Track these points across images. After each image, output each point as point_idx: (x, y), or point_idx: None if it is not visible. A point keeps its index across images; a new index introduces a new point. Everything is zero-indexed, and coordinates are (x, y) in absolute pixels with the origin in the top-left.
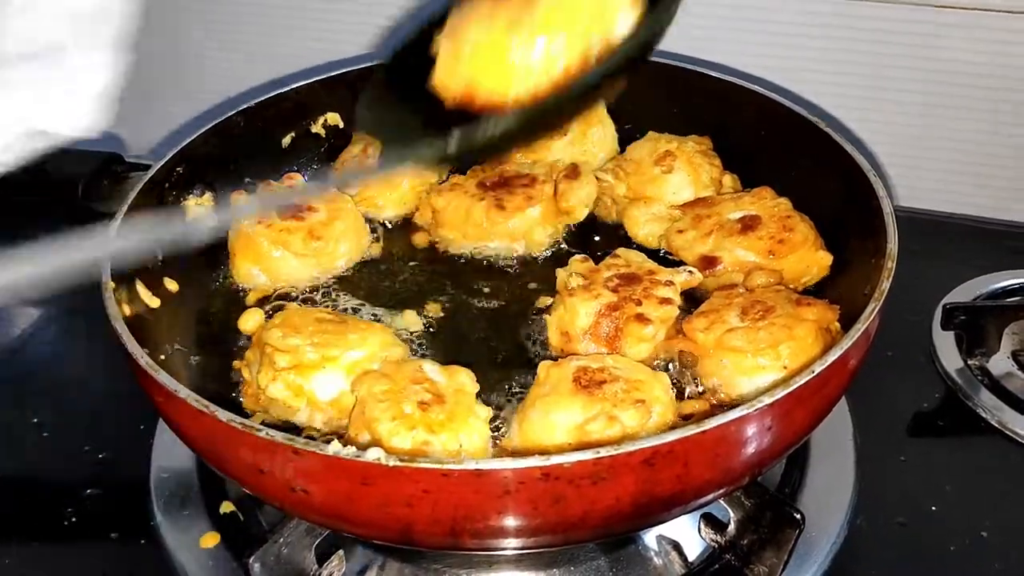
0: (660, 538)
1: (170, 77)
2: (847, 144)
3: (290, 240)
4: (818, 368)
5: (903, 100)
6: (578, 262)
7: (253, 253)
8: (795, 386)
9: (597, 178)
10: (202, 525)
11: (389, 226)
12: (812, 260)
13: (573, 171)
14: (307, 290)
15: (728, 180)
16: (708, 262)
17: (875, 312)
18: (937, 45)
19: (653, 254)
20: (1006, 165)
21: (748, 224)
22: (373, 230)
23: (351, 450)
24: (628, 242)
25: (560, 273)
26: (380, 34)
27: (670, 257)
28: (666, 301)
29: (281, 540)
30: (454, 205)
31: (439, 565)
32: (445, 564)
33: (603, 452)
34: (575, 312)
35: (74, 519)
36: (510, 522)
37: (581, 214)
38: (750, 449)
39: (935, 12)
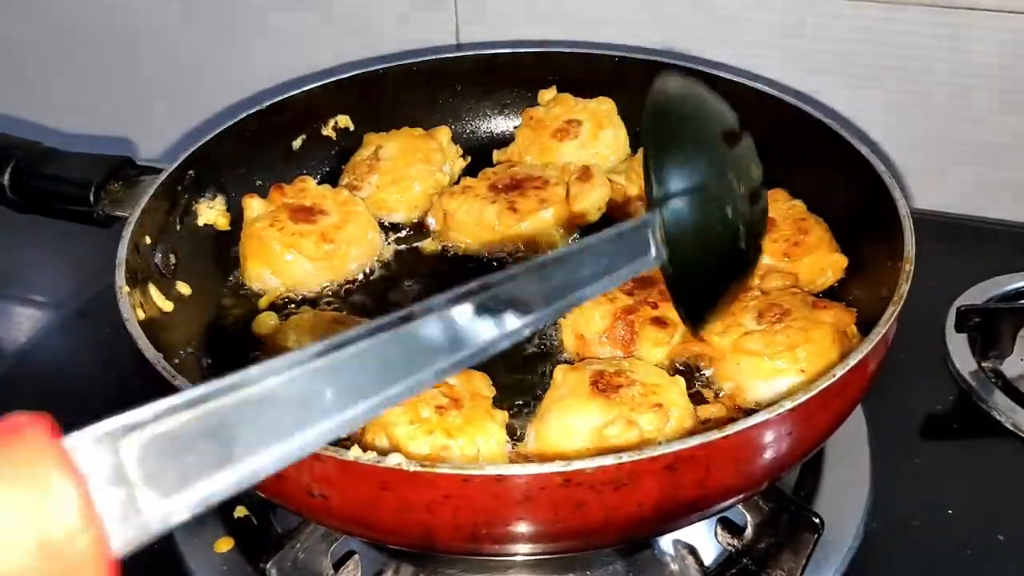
0: (676, 542)
1: (181, 80)
2: (862, 146)
3: (302, 243)
4: (839, 372)
5: (919, 102)
6: None
7: (265, 256)
8: (816, 390)
9: (610, 180)
10: (216, 530)
11: (401, 229)
12: (827, 263)
13: (585, 173)
14: (319, 293)
15: None
16: None
17: (895, 315)
18: (955, 47)
19: None
20: (1021, 165)
21: None
22: (384, 233)
23: (371, 455)
24: None
25: None
26: (379, 36)
27: None
28: None
29: (297, 545)
30: (466, 208)
31: (454, 570)
32: (460, 569)
33: (625, 457)
34: (590, 315)
35: None
36: (531, 528)
37: (594, 216)
38: (771, 454)
39: (955, 14)
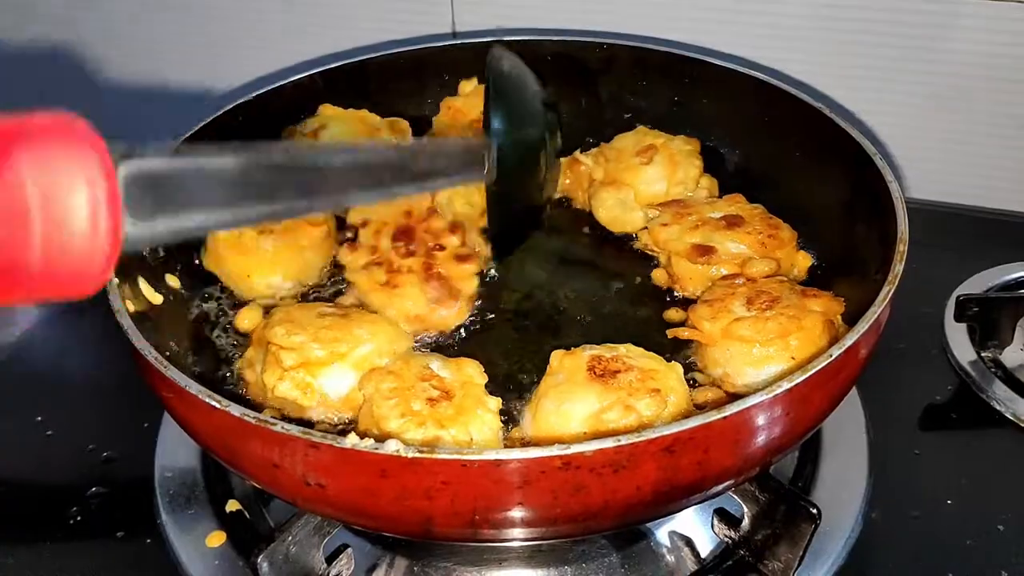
0: (672, 534)
1: (168, 72)
2: (852, 129)
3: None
4: (836, 352)
5: (914, 91)
6: None
7: (271, 263)
8: (813, 371)
9: (577, 160)
10: (208, 524)
11: None
12: (795, 259)
13: None
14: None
15: (705, 182)
16: (703, 251)
17: (889, 295)
18: (950, 36)
19: (618, 241)
20: (1019, 156)
21: (733, 221)
22: None
23: (369, 442)
24: (597, 229)
25: None
26: (376, 27)
27: (634, 246)
28: None
29: (289, 539)
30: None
31: (448, 563)
32: (455, 562)
33: (624, 440)
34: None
35: (79, 518)
36: (530, 512)
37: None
38: (768, 435)
39: (948, 3)
